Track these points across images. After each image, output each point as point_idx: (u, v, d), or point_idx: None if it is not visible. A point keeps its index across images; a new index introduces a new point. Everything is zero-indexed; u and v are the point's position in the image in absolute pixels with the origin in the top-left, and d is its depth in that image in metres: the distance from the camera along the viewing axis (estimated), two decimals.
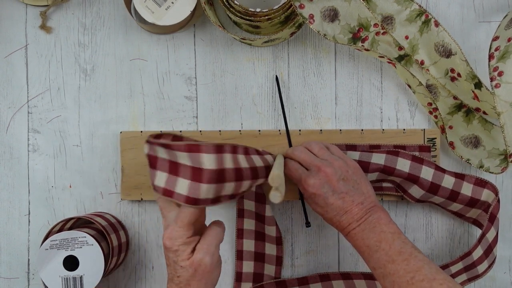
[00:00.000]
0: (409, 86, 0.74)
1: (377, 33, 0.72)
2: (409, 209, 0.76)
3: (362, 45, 0.72)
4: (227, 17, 0.76)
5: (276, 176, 0.60)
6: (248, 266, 0.74)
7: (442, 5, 0.75)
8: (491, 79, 0.65)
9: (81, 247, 0.67)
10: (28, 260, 0.76)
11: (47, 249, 0.68)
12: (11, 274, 0.76)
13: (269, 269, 0.74)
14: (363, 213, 0.61)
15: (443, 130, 0.73)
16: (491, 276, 0.76)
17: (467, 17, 0.75)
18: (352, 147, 0.72)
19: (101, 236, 0.71)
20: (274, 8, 0.68)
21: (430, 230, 0.76)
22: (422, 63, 0.74)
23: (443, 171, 0.69)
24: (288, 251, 0.76)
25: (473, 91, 0.71)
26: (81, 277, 0.67)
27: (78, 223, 0.74)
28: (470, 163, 0.72)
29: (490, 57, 0.65)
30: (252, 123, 0.76)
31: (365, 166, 0.68)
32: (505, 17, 0.67)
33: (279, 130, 0.74)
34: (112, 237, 0.70)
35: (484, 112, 0.73)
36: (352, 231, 0.61)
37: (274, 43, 0.75)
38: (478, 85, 0.70)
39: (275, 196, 0.60)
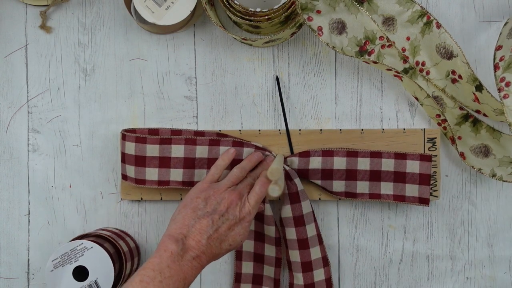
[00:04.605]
0: (417, 99, 0.74)
1: (383, 46, 0.72)
2: (409, 209, 0.76)
3: (368, 58, 0.72)
4: (227, 17, 0.76)
5: (275, 170, 0.62)
6: (248, 267, 0.74)
7: (442, 5, 0.75)
8: (499, 90, 0.64)
9: (83, 254, 0.67)
10: (28, 260, 0.76)
11: (52, 270, 0.67)
12: (11, 274, 0.76)
13: (269, 271, 0.74)
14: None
15: (453, 141, 0.72)
16: (491, 276, 0.76)
17: (467, 17, 0.75)
18: (354, 154, 0.71)
19: (102, 239, 0.71)
20: (274, 8, 0.68)
21: (430, 230, 0.76)
22: (423, 64, 0.73)
23: (379, 155, 0.70)
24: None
25: (474, 93, 0.71)
26: (95, 282, 0.67)
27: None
28: (482, 173, 0.71)
29: (496, 67, 0.65)
30: (252, 123, 0.76)
31: (329, 173, 0.71)
32: (505, 24, 0.67)
33: (279, 130, 0.74)
34: (120, 243, 0.70)
35: (485, 114, 0.73)
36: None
37: (275, 44, 0.75)
38: (479, 87, 0.70)
39: (274, 190, 0.62)
